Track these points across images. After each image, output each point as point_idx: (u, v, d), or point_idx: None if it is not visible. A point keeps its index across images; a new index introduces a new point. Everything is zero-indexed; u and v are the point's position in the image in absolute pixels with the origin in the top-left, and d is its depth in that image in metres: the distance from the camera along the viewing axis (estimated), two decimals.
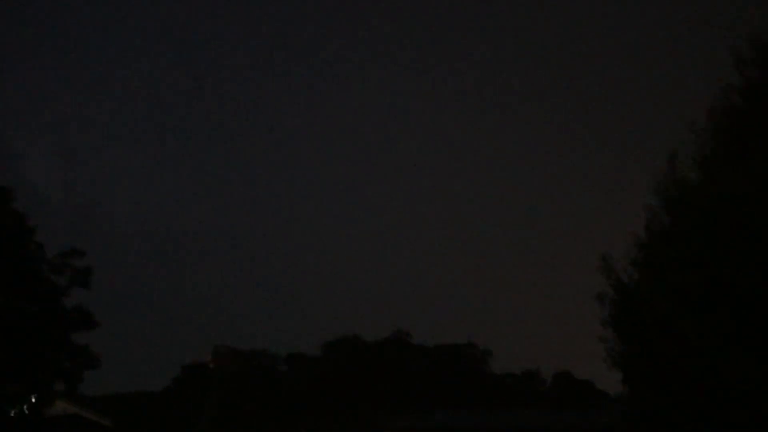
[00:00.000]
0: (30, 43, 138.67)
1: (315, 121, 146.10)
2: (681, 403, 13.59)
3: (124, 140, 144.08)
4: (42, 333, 22.16)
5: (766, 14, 15.38)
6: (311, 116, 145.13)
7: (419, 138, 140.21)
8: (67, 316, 23.01)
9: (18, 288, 22.12)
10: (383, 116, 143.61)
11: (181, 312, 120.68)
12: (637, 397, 15.60)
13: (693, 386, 13.35)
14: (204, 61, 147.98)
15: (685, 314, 13.29)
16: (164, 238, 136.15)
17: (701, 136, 15.43)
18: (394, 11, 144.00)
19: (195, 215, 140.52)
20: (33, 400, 21.76)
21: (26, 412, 21.66)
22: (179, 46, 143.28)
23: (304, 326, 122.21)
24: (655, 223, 15.57)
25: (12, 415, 21.49)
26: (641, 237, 15.61)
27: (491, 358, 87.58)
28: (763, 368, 12.40)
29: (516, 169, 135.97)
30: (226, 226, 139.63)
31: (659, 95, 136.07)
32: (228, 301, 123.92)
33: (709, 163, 15.19)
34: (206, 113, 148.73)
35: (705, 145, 15.42)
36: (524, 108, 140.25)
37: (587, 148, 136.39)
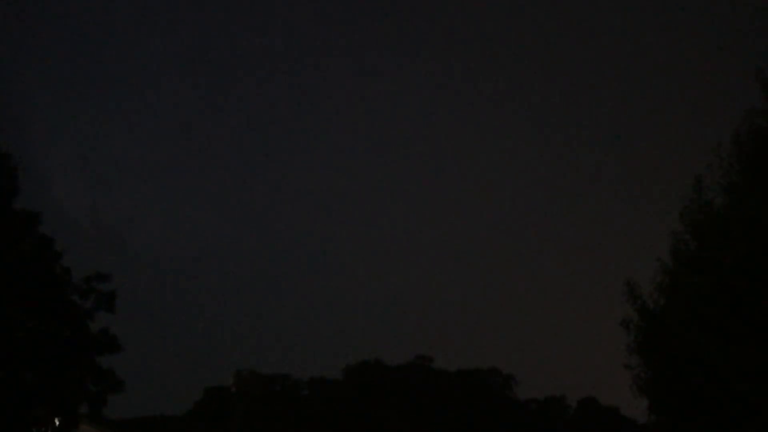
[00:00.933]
0: (61, 71, 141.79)
1: (337, 149, 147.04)
2: None
3: (151, 166, 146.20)
4: (68, 356, 22.33)
5: None
6: (334, 145, 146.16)
7: (443, 164, 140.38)
8: (93, 340, 23.17)
9: (46, 312, 22.36)
10: (407, 141, 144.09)
11: (203, 336, 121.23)
12: (665, 425, 15.31)
13: (721, 416, 13.08)
14: (229, 94, 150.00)
15: (712, 342, 13.06)
16: (188, 263, 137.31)
17: (727, 160, 15.26)
18: (404, 16, 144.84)
19: (219, 241, 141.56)
20: (57, 423, 21.86)
21: None
22: (206, 76, 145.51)
23: (326, 351, 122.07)
24: (682, 249, 15.37)
25: None
26: (667, 263, 15.41)
27: (515, 384, 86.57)
28: None
29: (542, 196, 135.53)
30: (249, 252, 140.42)
31: (685, 119, 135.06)
32: (250, 326, 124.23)
33: (735, 187, 15.01)
34: (231, 142, 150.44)
35: (731, 169, 15.25)
36: (551, 135, 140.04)
37: (613, 174, 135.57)
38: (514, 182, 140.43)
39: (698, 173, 15.36)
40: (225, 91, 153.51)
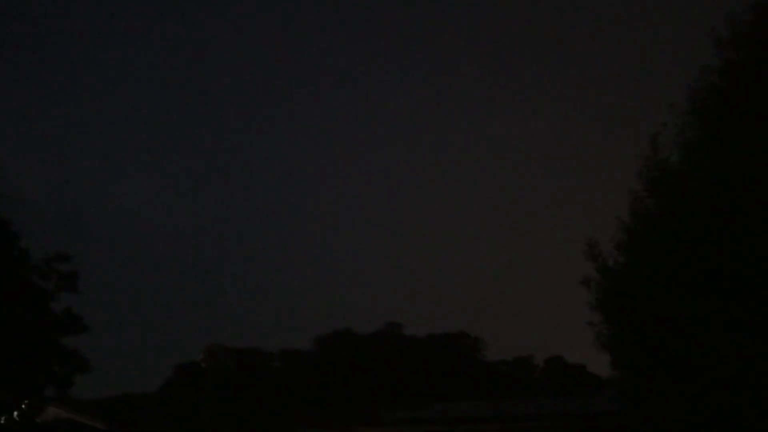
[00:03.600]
0: (13, 44, 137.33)
1: (304, 115, 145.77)
2: (670, 385, 13.69)
3: (110, 141, 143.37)
4: (31, 338, 22.02)
5: None
6: (299, 110, 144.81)
7: (404, 127, 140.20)
8: (56, 321, 22.87)
9: (6, 295, 21.96)
10: (370, 108, 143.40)
11: (171, 312, 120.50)
12: (627, 379, 15.72)
13: (681, 368, 13.45)
14: (191, 59, 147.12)
15: (670, 296, 13.38)
16: (153, 239, 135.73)
17: (682, 118, 15.50)
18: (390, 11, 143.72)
19: (183, 214, 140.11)
20: (23, 406, 21.65)
21: (17, 419, 21.55)
22: (166, 44, 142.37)
23: (297, 322, 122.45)
24: (639, 207, 15.65)
25: (2, 422, 21.38)
26: (626, 221, 15.68)
27: (484, 347, 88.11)
28: (749, 350, 12.51)
29: (502, 157, 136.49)
30: (215, 225, 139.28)
31: (641, 78, 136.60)
32: (219, 300, 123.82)
33: (690, 144, 15.27)
34: (192, 112, 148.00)
35: (686, 126, 15.49)
36: (509, 94, 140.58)
37: (572, 134, 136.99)
38: (476, 146, 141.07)
39: (654, 131, 15.58)
40: (191, 60, 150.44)
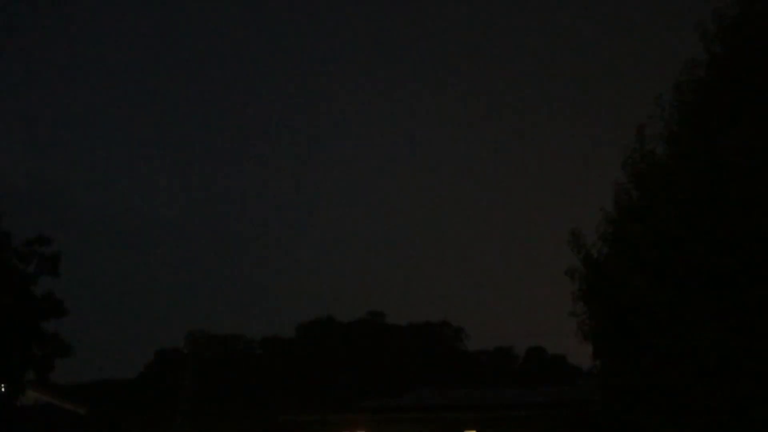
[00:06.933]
0: None
1: (284, 103, 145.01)
2: (651, 375, 13.86)
3: (91, 126, 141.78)
4: (12, 322, 21.77)
5: None
6: (286, 100, 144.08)
7: (388, 117, 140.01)
8: (37, 305, 22.62)
9: None
10: (348, 98, 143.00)
11: (153, 298, 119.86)
12: (608, 370, 15.86)
13: (662, 358, 13.61)
14: (170, 46, 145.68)
15: (652, 287, 13.52)
16: (135, 224, 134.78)
17: (668, 110, 15.61)
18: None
19: (167, 200, 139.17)
20: (3, 389, 21.45)
21: None
22: (148, 31, 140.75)
23: (279, 310, 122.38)
24: (624, 198, 15.75)
25: None
26: (610, 212, 15.77)
27: (465, 336, 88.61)
28: (730, 340, 12.69)
29: (487, 147, 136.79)
30: (198, 212, 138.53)
31: (628, 71, 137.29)
32: (201, 287, 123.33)
33: (675, 137, 15.40)
34: (173, 99, 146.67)
35: (671, 119, 15.61)
36: (495, 86, 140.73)
37: (558, 125, 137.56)
38: (461, 135, 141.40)
39: (640, 123, 15.66)
40: (170, 48, 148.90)
